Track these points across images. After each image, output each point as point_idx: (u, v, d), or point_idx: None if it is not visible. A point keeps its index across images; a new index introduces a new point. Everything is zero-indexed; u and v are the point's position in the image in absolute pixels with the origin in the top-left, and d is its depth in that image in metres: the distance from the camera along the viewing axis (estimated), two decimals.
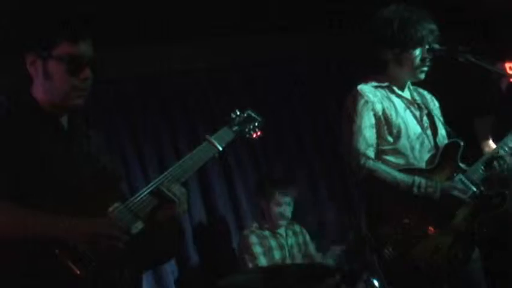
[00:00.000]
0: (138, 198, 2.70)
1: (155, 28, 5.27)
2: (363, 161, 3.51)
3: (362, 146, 3.55)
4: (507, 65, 6.40)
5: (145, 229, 2.66)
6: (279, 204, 5.40)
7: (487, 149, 5.91)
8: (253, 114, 3.24)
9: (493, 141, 5.31)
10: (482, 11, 6.13)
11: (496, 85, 6.01)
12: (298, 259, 5.42)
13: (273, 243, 5.39)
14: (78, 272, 2.44)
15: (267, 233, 5.42)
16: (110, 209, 2.62)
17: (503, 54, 6.11)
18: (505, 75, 6.01)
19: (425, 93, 3.93)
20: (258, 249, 5.30)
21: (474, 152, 3.83)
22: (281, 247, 5.40)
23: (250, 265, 5.23)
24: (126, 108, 5.72)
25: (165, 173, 2.80)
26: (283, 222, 5.43)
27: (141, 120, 5.74)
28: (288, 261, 5.35)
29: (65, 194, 2.56)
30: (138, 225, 2.64)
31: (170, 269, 5.56)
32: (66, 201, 2.55)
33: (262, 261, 5.23)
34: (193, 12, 5.28)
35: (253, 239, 5.34)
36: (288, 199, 5.44)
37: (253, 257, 5.25)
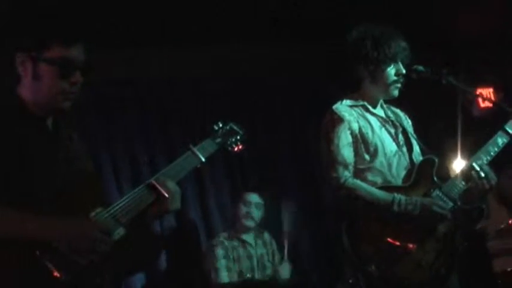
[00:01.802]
0: (121, 204, 2.69)
1: (137, 32, 5.27)
2: (342, 180, 3.55)
3: (341, 165, 3.59)
4: (478, 91, 6.57)
5: (127, 236, 2.66)
6: (246, 204, 5.44)
7: (451, 172, 6.01)
8: (235, 127, 3.26)
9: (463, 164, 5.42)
10: (453, 38, 6.23)
11: (468, 109, 6.14)
12: (268, 269, 5.45)
13: (242, 252, 5.40)
14: (58, 275, 2.43)
15: (235, 243, 5.42)
16: (92, 213, 2.61)
17: (472, 81, 6.25)
18: (483, 98, 6.19)
19: (398, 111, 3.98)
20: (222, 263, 5.28)
21: (445, 170, 3.88)
22: (250, 257, 5.40)
23: (213, 278, 5.24)
24: (102, 111, 5.72)
25: (155, 176, 2.82)
26: (250, 223, 5.44)
27: (117, 125, 5.73)
28: (257, 271, 5.38)
29: (47, 195, 2.55)
30: (120, 232, 2.63)
31: (139, 280, 5.52)
32: (48, 202, 2.53)
33: (224, 275, 5.24)
34: (176, 19, 5.29)
35: (219, 251, 5.32)
36: (256, 199, 5.47)
37: (216, 271, 5.25)
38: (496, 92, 6.68)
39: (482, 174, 3.57)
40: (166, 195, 2.76)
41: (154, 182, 2.77)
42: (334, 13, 5.54)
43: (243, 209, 5.45)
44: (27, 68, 2.67)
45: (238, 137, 3.25)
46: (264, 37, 5.85)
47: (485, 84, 6.63)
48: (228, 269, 5.27)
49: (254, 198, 5.50)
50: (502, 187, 5.07)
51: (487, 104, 6.47)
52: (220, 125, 3.20)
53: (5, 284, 2.41)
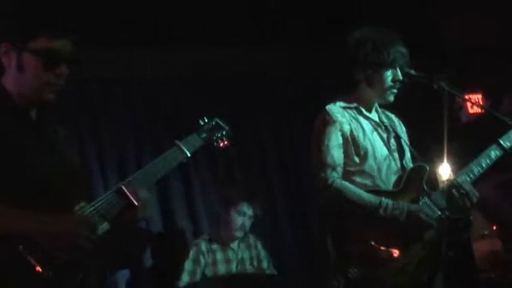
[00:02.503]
0: (105, 199, 2.69)
1: (131, 31, 5.27)
2: (330, 180, 3.52)
3: (330, 166, 3.57)
4: (466, 97, 6.57)
5: (111, 231, 2.65)
6: (241, 214, 5.37)
7: (440, 175, 6.02)
8: (221, 123, 3.27)
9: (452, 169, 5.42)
10: (442, 43, 6.25)
11: (456, 115, 6.14)
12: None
13: (219, 256, 5.33)
14: (41, 270, 2.41)
15: (215, 246, 5.34)
16: (76, 208, 2.59)
17: (460, 86, 6.25)
18: (479, 105, 6.20)
19: (392, 116, 3.97)
20: (188, 266, 5.19)
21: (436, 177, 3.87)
22: (228, 261, 5.33)
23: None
24: (90, 109, 5.71)
25: (134, 175, 2.80)
26: (239, 234, 5.37)
27: (105, 122, 5.73)
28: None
29: (32, 188, 2.52)
30: (104, 227, 2.63)
31: (124, 276, 5.45)
32: (33, 195, 2.51)
33: (185, 277, 5.16)
34: (170, 20, 5.29)
35: (191, 253, 5.25)
36: (251, 211, 5.41)
37: (181, 271, 5.19)
38: (484, 98, 6.70)
39: (463, 192, 3.57)
40: (136, 203, 2.73)
41: (124, 189, 2.73)
42: (329, 16, 5.55)
43: (238, 220, 5.37)
44: (11, 59, 2.65)
45: (224, 133, 3.26)
46: (260, 38, 5.87)
47: (474, 91, 6.65)
48: (192, 273, 5.17)
49: (247, 209, 5.42)
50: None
51: (476, 109, 6.48)
52: (206, 120, 3.21)
53: None
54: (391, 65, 3.67)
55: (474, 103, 6.15)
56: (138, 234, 5.37)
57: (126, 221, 2.80)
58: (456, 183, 3.58)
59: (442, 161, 5.55)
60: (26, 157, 2.57)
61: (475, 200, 3.60)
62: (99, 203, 2.66)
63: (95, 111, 5.74)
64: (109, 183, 5.35)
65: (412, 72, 3.69)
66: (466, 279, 5.27)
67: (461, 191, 3.56)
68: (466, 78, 6.35)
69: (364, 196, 3.51)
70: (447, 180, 3.64)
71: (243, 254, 5.42)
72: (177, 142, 2.97)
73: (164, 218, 5.82)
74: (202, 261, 5.23)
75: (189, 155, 2.96)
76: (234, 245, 5.42)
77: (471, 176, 3.68)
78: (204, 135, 3.14)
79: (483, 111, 6.18)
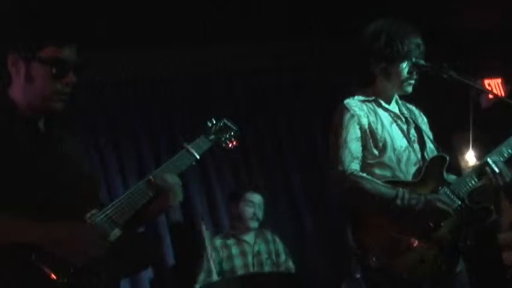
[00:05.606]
0: (116, 205, 2.70)
1: (138, 33, 5.28)
2: (347, 173, 3.52)
3: (347, 159, 3.56)
4: (486, 82, 6.52)
5: (123, 237, 2.67)
6: (250, 204, 5.39)
7: (463, 163, 5.98)
8: (229, 124, 3.25)
9: (474, 155, 5.38)
10: (461, 28, 6.20)
11: (475, 101, 6.09)
12: (267, 266, 5.38)
13: (235, 250, 5.35)
14: (55, 277, 2.44)
15: (230, 241, 5.38)
16: (88, 215, 2.61)
17: (480, 71, 6.22)
18: (486, 91, 6.15)
19: (413, 108, 3.96)
20: (204, 265, 5.18)
21: (452, 166, 3.85)
22: (243, 254, 5.35)
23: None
24: (106, 111, 5.74)
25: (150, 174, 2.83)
26: (254, 224, 5.40)
27: (120, 125, 5.77)
28: (252, 267, 5.33)
29: (42, 198, 2.55)
30: (116, 233, 2.65)
31: (147, 275, 5.56)
32: (43, 205, 2.53)
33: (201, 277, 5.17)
34: (176, 19, 5.30)
35: (206, 253, 5.20)
36: (258, 198, 5.43)
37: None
38: (504, 82, 6.63)
39: (497, 170, 3.55)
40: (166, 190, 2.78)
41: (152, 179, 2.78)
42: (333, 10, 5.54)
43: (249, 210, 5.41)
44: (19, 69, 2.67)
45: (232, 133, 3.24)
46: (267, 34, 5.86)
47: (494, 75, 6.58)
48: (207, 271, 5.14)
49: (257, 198, 5.46)
50: None
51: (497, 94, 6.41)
52: (214, 122, 3.20)
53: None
54: (406, 57, 3.64)
55: (485, 90, 6.07)
56: (150, 238, 5.38)
57: (158, 210, 2.89)
58: (491, 161, 3.56)
59: (467, 148, 5.52)
60: (35, 168, 2.60)
61: (507, 179, 3.57)
62: (110, 209, 2.68)
63: (110, 114, 5.78)
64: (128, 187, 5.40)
65: (421, 62, 3.66)
66: (491, 269, 5.24)
67: (495, 169, 3.54)
68: (485, 63, 6.32)
69: (381, 187, 3.50)
70: (478, 161, 3.66)
71: (260, 247, 5.44)
72: (186, 145, 2.97)
73: (184, 216, 5.85)
74: (216, 257, 5.24)
75: (198, 157, 2.97)
76: (250, 238, 5.44)
77: (505, 154, 3.64)
78: (212, 136, 3.13)
79: (502, 101, 6.06)
